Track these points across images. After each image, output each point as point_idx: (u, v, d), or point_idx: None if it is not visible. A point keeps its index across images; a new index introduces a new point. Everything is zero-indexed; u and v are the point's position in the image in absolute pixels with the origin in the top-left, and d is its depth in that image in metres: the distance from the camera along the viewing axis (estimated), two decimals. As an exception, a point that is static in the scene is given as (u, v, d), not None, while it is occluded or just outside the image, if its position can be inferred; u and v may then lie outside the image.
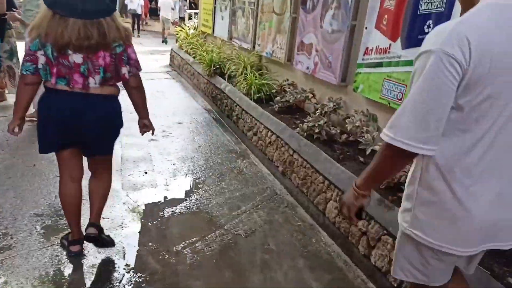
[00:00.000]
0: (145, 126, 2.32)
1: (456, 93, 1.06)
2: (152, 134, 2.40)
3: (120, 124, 2.21)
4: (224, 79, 5.48)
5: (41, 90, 2.07)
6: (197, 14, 11.98)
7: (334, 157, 2.93)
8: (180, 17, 16.72)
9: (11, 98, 5.02)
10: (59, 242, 2.42)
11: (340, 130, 3.32)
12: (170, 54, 9.13)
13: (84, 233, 2.29)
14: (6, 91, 5.01)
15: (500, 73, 1.04)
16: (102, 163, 2.30)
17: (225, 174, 3.59)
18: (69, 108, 1.99)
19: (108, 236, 2.43)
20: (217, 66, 5.77)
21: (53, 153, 2.19)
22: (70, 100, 2.00)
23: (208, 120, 5.23)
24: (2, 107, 4.80)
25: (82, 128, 2.04)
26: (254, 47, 5.53)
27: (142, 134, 2.39)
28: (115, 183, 3.04)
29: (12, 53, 4.80)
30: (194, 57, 7.12)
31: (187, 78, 7.38)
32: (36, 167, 3.32)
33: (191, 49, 7.62)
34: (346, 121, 3.24)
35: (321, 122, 3.27)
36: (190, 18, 11.84)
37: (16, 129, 2.09)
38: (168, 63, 9.23)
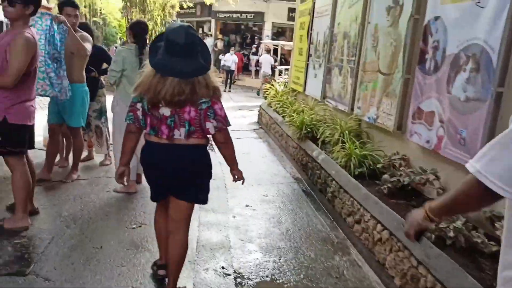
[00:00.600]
0: (236, 175, 2.43)
1: None
2: (242, 183, 2.46)
3: (206, 172, 2.32)
4: (317, 145, 4.83)
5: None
6: (287, 70, 11.95)
7: (485, 283, 2.02)
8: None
9: (98, 158, 4.93)
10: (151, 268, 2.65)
11: (487, 235, 2.38)
12: (259, 111, 8.83)
13: None
14: (94, 150, 4.95)
15: None
16: (178, 215, 2.32)
17: (320, 278, 2.80)
18: (157, 156, 2.22)
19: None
20: (309, 129, 5.16)
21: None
22: (158, 149, 2.21)
23: (297, 194, 4.56)
24: (87, 167, 4.69)
25: (167, 175, 2.24)
26: (352, 109, 4.84)
27: (235, 182, 2.47)
28: (187, 281, 2.54)
29: (101, 112, 4.73)
30: (283, 117, 6.64)
31: (275, 138, 6.89)
32: (103, 250, 2.90)
33: (280, 107, 7.19)
34: (496, 224, 2.32)
35: (458, 224, 2.38)
36: (280, 74, 11.71)
37: (123, 176, 2.33)
38: (256, 120, 8.93)
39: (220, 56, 17.34)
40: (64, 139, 4.53)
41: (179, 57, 2.09)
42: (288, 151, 5.89)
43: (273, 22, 18.28)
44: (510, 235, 1.05)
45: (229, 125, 2.25)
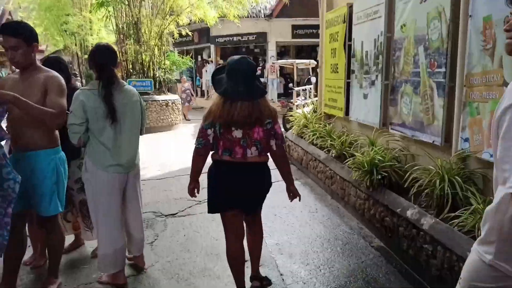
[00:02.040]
0: (292, 193, 2.67)
1: None
2: (299, 200, 2.69)
3: (270, 184, 2.62)
4: (407, 198, 3.33)
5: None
6: (305, 91, 10.57)
7: None
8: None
9: (89, 246, 3.44)
10: None
11: None
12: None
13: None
14: (81, 235, 3.45)
15: None
16: (254, 218, 2.72)
17: None
18: (233, 175, 2.46)
19: (266, 277, 2.88)
20: (383, 173, 3.68)
21: None
22: (233, 168, 2.46)
23: (386, 278, 3.04)
24: (73, 261, 3.20)
25: (244, 190, 2.48)
26: (447, 141, 3.38)
27: (291, 201, 2.69)
28: None
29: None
30: (328, 151, 5.17)
31: (318, 180, 5.39)
32: None
33: (317, 138, 5.75)
34: None
35: None
36: (298, 95, 10.32)
37: (195, 191, 2.66)
38: (282, 154, 7.47)
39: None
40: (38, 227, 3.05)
41: (243, 83, 2.39)
42: (348, 200, 4.38)
43: (277, 42, 17.09)
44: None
45: (285, 142, 2.79)
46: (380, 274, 3.08)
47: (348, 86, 5.58)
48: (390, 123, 4.34)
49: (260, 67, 17.21)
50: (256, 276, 2.82)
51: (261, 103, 2.41)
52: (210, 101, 12.79)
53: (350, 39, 5.46)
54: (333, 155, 4.97)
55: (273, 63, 14.41)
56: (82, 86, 7.06)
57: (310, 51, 18.74)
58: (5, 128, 2.50)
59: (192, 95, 13.62)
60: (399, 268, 3.15)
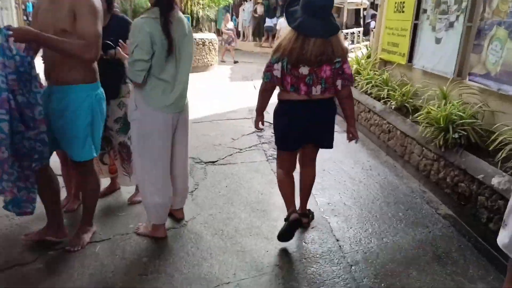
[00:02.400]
0: (351, 134, 2.63)
1: None
2: (356, 142, 2.69)
3: (334, 121, 2.60)
4: (492, 163, 2.81)
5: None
6: (357, 35, 9.65)
7: None
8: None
9: (125, 191, 3.19)
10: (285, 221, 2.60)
11: None
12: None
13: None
14: (118, 180, 3.18)
15: None
16: (312, 155, 2.73)
17: None
18: (299, 111, 2.43)
19: (309, 210, 2.91)
20: (461, 131, 3.13)
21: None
22: (299, 104, 2.42)
23: (459, 253, 2.62)
24: (107, 208, 2.95)
25: (311, 126, 2.48)
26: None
27: (349, 141, 2.67)
28: None
29: (126, 122, 2.88)
30: (385, 103, 4.60)
31: (371, 134, 4.88)
32: None
33: (372, 87, 5.14)
34: None
35: None
36: (345, 39, 9.46)
37: (261, 125, 2.68)
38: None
39: (269, 22, 15.87)
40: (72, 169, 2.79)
41: (318, 18, 2.24)
42: (409, 159, 3.88)
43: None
44: None
45: (353, 81, 2.53)
46: (453, 248, 2.66)
47: (415, 29, 4.84)
48: (468, 74, 3.69)
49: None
50: (304, 213, 2.82)
51: (334, 41, 2.29)
52: (248, 43, 12.08)
53: (423, -28, 4.64)
54: (393, 106, 4.40)
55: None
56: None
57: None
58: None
59: (233, 36, 12.48)
60: (474, 242, 2.72)
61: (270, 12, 18.84)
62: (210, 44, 10.38)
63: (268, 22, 15.97)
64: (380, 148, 4.56)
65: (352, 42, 9.79)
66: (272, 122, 2.67)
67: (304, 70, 2.30)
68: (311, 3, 2.23)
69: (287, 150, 2.59)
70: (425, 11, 4.61)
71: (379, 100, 4.82)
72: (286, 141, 2.54)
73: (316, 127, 2.49)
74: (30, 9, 23.27)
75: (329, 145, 2.63)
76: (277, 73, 2.34)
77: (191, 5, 10.54)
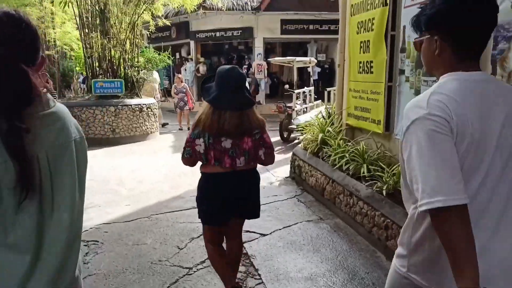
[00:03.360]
0: None
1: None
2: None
3: (259, 183, 2.63)
4: None
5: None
6: (309, 94, 8.98)
7: None
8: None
9: None
10: None
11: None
12: (293, 163, 5.76)
13: None
14: None
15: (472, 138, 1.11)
16: (238, 228, 2.72)
17: None
18: (224, 183, 2.43)
19: (238, 283, 2.79)
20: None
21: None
22: (223, 177, 2.42)
23: None
24: None
25: (237, 198, 2.47)
26: None
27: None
28: None
29: None
30: (370, 185, 3.66)
31: (358, 226, 3.81)
32: None
33: (347, 162, 4.23)
34: None
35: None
36: (296, 98, 8.77)
37: None
38: (289, 176, 5.91)
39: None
40: None
41: (233, 92, 2.35)
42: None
43: (264, 38, 15.54)
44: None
45: (273, 150, 2.55)
46: None
47: (389, 92, 4.10)
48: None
49: (246, 66, 15.67)
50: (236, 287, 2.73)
51: (249, 114, 2.40)
52: (192, 104, 10.92)
53: (394, 27, 3.98)
54: (384, 191, 3.46)
55: (267, 60, 12.69)
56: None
57: (297, 49, 17.31)
58: None
59: (187, 98, 10.52)
60: None
61: (214, 70, 18.35)
62: (149, 109, 9.27)
63: None
64: (375, 248, 3.50)
65: (304, 101, 9.14)
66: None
67: (226, 143, 2.35)
68: (224, 79, 2.36)
69: (213, 224, 2.57)
70: (402, 71, 3.88)
71: (359, 180, 3.89)
72: (211, 215, 2.52)
73: (242, 199, 2.50)
74: None
75: (256, 215, 2.65)
76: (199, 148, 2.36)
77: (124, 68, 9.46)
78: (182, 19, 16.54)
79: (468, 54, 1.21)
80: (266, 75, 15.54)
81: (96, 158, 7.33)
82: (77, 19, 9.24)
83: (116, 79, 9.13)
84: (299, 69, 10.06)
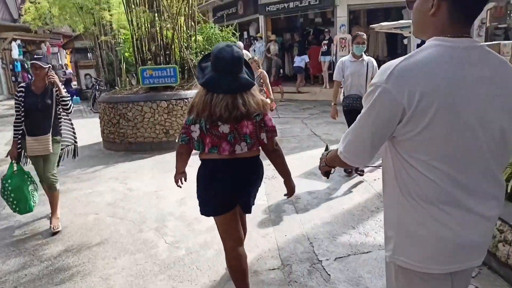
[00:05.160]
0: (289, 188, 2.49)
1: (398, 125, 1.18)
2: (289, 197, 2.53)
3: (261, 181, 2.46)
4: None
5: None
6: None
7: None
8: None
9: None
10: None
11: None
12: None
13: None
14: None
15: (443, 108, 1.12)
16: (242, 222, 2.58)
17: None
18: (222, 171, 2.26)
19: None
20: None
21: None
22: (221, 164, 2.26)
23: None
24: None
25: (237, 187, 2.30)
26: None
27: (288, 198, 2.54)
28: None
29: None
30: None
31: None
32: None
33: None
34: None
35: None
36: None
37: (182, 181, 2.57)
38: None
39: (299, 61, 13.43)
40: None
41: (227, 74, 2.18)
42: None
43: (348, 5, 12.69)
44: (385, 195, 1.37)
45: (276, 135, 2.34)
46: None
47: None
48: None
49: (325, 42, 12.99)
50: None
51: (246, 96, 2.20)
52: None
53: None
54: None
55: (372, 27, 9.60)
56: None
57: (384, 18, 14.15)
58: None
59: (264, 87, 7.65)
60: None
61: (287, 50, 15.90)
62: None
63: (298, 61, 13.34)
64: None
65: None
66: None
67: (224, 128, 2.21)
68: (218, 58, 2.19)
69: (209, 215, 2.36)
70: None
71: None
72: (209, 204, 2.33)
73: (242, 187, 2.33)
74: (18, 68, 21.12)
75: (247, 209, 2.45)
76: (194, 135, 2.25)
77: (179, 50, 7.44)
78: (249, -10, 14.31)
79: (462, 18, 1.20)
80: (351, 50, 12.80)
81: (141, 174, 5.46)
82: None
83: (168, 65, 7.16)
84: (389, 37, 7.26)
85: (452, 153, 1.15)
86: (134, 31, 7.29)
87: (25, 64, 21.34)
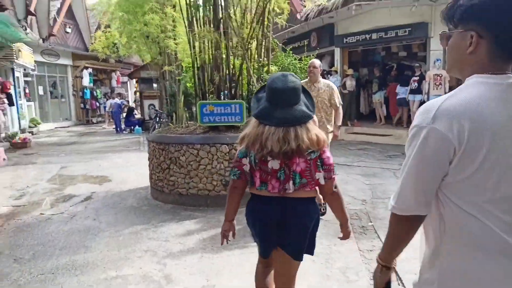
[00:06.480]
0: (345, 233, 2.28)
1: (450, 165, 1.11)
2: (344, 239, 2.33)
3: (312, 227, 2.19)
4: None
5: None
6: None
7: None
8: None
9: None
10: None
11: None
12: None
13: None
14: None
15: (494, 147, 1.07)
16: (282, 269, 2.26)
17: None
18: (270, 211, 2.13)
19: None
20: None
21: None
22: (269, 203, 2.13)
23: None
24: None
25: (280, 229, 2.13)
26: None
27: (341, 240, 2.32)
28: None
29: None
30: None
31: None
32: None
33: None
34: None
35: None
36: None
37: (230, 233, 2.29)
38: None
39: (403, 92, 11.49)
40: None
41: (281, 105, 2.07)
42: None
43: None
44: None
45: (335, 174, 2.16)
46: None
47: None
48: None
49: (416, 78, 11.06)
50: None
51: (300, 130, 2.04)
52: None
53: None
54: None
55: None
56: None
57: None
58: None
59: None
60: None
61: (363, 86, 14.15)
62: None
63: (402, 92, 11.46)
64: None
65: None
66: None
67: (274, 164, 2.07)
68: (271, 89, 2.09)
69: (264, 256, 2.27)
70: None
71: None
72: (261, 242, 2.23)
73: (290, 230, 2.12)
74: (87, 96, 21.41)
75: (296, 255, 2.19)
76: (246, 168, 2.15)
77: (248, 82, 6.03)
78: (326, 20, 12.90)
79: (504, 55, 1.15)
80: (447, 90, 10.70)
81: (186, 246, 3.93)
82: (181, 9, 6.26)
83: (233, 101, 5.75)
84: None
85: (504, 195, 1.11)
86: (196, 57, 6.04)
87: (94, 92, 21.62)
